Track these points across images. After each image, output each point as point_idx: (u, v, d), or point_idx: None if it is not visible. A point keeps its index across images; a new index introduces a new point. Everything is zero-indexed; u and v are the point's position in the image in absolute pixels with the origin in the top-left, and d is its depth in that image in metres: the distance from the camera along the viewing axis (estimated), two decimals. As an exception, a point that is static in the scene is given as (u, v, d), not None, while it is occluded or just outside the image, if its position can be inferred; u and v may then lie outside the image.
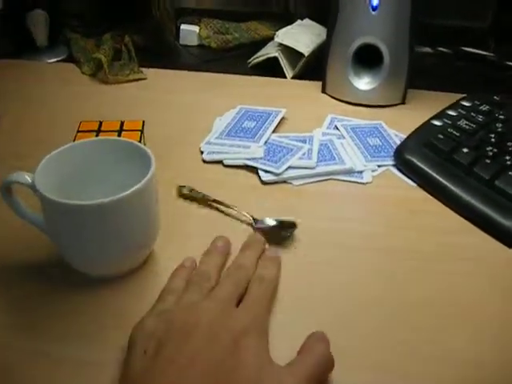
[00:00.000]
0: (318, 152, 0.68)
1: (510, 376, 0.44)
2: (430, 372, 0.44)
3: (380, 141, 0.72)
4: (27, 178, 0.48)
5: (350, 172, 0.66)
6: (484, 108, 0.74)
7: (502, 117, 0.72)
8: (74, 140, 0.62)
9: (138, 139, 0.62)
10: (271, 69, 0.92)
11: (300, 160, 0.66)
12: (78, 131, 0.64)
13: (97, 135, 0.63)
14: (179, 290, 0.47)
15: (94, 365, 0.43)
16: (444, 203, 0.63)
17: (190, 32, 1.04)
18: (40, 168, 0.48)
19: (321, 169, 0.66)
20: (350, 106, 0.83)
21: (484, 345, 0.46)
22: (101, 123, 0.66)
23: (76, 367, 0.43)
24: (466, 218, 0.61)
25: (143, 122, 0.66)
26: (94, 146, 0.52)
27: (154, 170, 0.48)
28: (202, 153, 0.70)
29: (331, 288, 0.51)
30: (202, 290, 0.46)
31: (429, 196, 0.64)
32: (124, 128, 0.65)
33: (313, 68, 0.91)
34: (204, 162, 0.69)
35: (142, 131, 0.64)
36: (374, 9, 0.76)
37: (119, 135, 0.63)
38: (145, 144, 0.66)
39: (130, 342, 0.42)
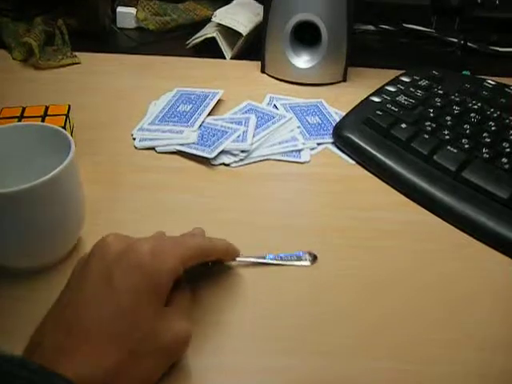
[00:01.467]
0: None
1: None
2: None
3: (320, 119, 0.71)
4: None
5: (287, 152, 0.65)
6: (423, 83, 0.73)
7: (440, 91, 0.71)
8: (-6, 127, 0.58)
9: (63, 124, 0.59)
10: (210, 50, 0.89)
11: (234, 143, 0.64)
12: (0, 118, 0.60)
13: (19, 121, 0.60)
14: None
15: None
16: (382, 180, 0.62)
17: (126, 14, 1.00)
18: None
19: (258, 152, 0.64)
20: (290, 85, 0.81)
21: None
22: (24, 109, 0.62)
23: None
24: (404, 194, 0.60)
25: (69, 106, 0.63)
26: (13, 132, 0.49)
27: (73, 156, 0.45)
28: (134, 139, 0.67)
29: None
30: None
31: (367, 173, 0.63)
32: (48, 113, 0.61)
33: (252, 48, 0.89)
34: (136, 148, 0.66)
35: (67, 115, 0.61)
36: (311, -16, 0.74)
37: (43, 121, 0.60)
38: (71, 129, 0.63)
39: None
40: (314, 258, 0.50)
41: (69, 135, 0.47)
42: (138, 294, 0.38)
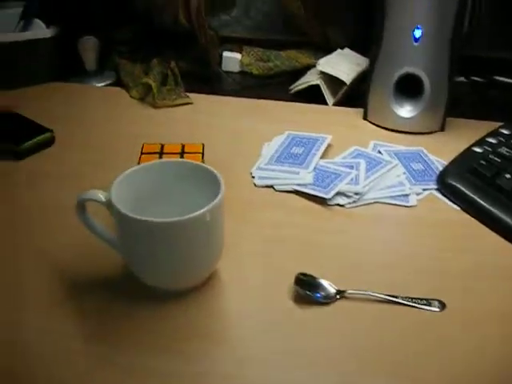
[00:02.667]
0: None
1: None
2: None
3: (423, 166, 0.76)
4: (101, 196, 0.52)
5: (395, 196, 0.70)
6: (523, 136, 0.77)
7: (540, 144, 0.75)
8: (139, 161, 0.66)
9: (201, 161, 0.66)
10: (312, 96, 0.95)
11: (348, 185, 0.69)
12: (142, 153, 0.68)
13: (160, 157, 0.67)
14: None
15: (160, 375, 0.47)
16: (487, 226, 0.66)
17: (232, 59, 1.08)
18: (114, 186, 0.52)
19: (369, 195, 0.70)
20: (391, 133, 0.86)
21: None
22: (162, 146, 0.69)
23: (144, 376, 0.47)
24: (508, 240, 0.64)
25: (203, 144, 0.70)
26: (163, 168, 0.56)
27: (223, 192, 0.51)
28: (253, 177, 0.73)
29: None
30: None
31: (472, 219, 0.67)
32: (185, 150, 0.68)
33: (352, 96, 0.95)
34: (255, 186, 0.72)
35: (202, 154, 0.68)
36: (417, 40, 0.79)
37: (181, 157, 0.67)
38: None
39: None
40: (443, 306, 0.54)
41: (219, 175, 0.53)
42: None
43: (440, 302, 0.54)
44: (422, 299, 0.54)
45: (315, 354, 0.49)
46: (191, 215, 0.48)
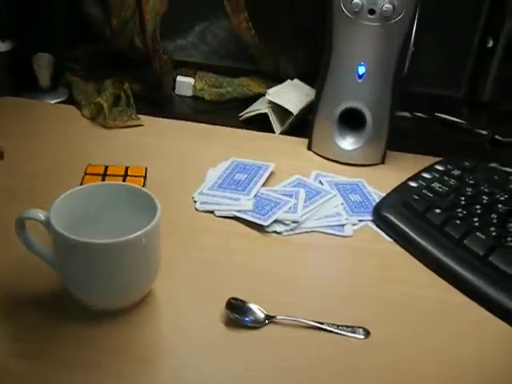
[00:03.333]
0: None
1: None
2: None
3: (360, 197, 0.79)
4: (41, 215, 0.53)
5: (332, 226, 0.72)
6: (456, 173, 0.81)
7: (471, 181, 0.79)
8: (82, 182, 0.67)
9: (142, 184, 0.67)
10: (261, 123, 0.98)
11: (286, 213, 0.71)
12: (86, 174, 0.69)
13: (103, 179, 0.68)
14: None
15: None
16: (417, 258, 0.69)
17: (185, 83, 1.10)
18: (54, 206, 0.53)
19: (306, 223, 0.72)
20: (334, 164, 0.89)
21: None
22: (106, 168, 0.71)
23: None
24: (437, 273, 0.67)
25: (146, 168, 0.71)
26: (103, 190, 0.58)
27: (159, 216, 0.53)
28: (194, 202, 0.75)
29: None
30: None
31: (402, 250, 0.70)
32: (128, 173, 0.70)
33: (300, 125, 0.98)
34: (197, 210, 0.74)
35: (145, 177, 0.69)
36: (360, 77, 0.83)
37: (124, 180, 0.68)
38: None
39: None
40: (367, 333, 0.56)
41: (154, 198, 0.55)
42: None
43: (365, 329, 0.57)
44: (347, 326, 0.57)
45: (244, 377, 0.51)
46: (126, 237, 0.50)
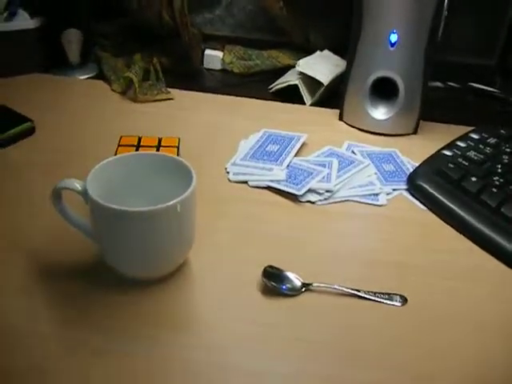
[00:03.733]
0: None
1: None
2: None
3: (394, 167, 0.78)
4: (77, 185, 0.53)
5: (366, 195, 0.72)
6: (491, 141, 0.79)
7: (508, 149, 0.77)
8: (116, 153, 0.67)
9: (176, 155, 0.67)
10: (290, 95, 0.98)
11: (320, 183, 0.71)
12: (119, 145, 0.69)
13: (136, 150, 0.68)
14: None
15: (129, 358, 0.49)
16: (452, 226, 0.68)
17: (214, 57, 1.10)
18: (91, 175, 0.53)
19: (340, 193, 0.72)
20: (365, 134, 0.88)
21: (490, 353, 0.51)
22: (140, 139, 0.71)
23: (114, 359, 0.48)
24: (472, 240, 0.66)
25: (179, 139, 0.71)
26: (138, 160, 0.58)
27: (195, 185, 0.53)
28: (227, 173, 0.75)
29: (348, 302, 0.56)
30: None
31: (438, 219, 0.69)
32: (162, 144, 0.70)
33: (330, 96, 0.97)
34: (230, 181, 0.74)
35: (178, 147, 0.69)
36: (392, 45, 0.82)
37: (157, 150, 0.69)
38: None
39: None
40: (405, 300, 0.56)
41: (190, 167, 0.55)
42: None
43: (402, 296, 0.56)
44: (384, 293, 0.56)
45: (281, 344, 0.51)
46: (163, 205, 0.50)
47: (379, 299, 0.56)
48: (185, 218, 0.54)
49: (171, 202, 0.50)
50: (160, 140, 0.71)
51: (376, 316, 0.54)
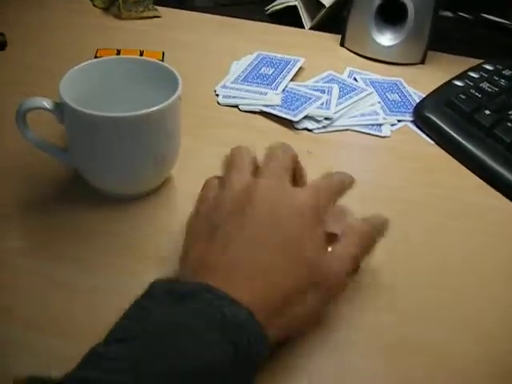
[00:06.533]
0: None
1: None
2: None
3: (399, 97, 0.71)
4: (45, 103, 0.47)
5: (368, 125, 0.65)
6: (507, 73, 0.73)
7: (524, 82, 0.71)
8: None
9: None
10: (289, 18, 0.90)
11: (318, 109, 0.65)
12: (96, 57, 0.62)
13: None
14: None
15: (93, 290, 0.44)
16: (461, 162, 0.62)
17: (207, -26, 1.01)
18: (64, 81, 0.47)
19: (340, 121, 0.65)
20: (369, 61, 0.81)
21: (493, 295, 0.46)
22: (119, 51, 0.64)
23: (81, 292, 0.43)
24: (481, 177, 0.60)
25: (163, 52, 0.64)
26: (116, 64, 0.52)
27: (180, 92, 0.47)
28: (217, 95, 0.68)
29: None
30: (244, 171, 0.42)
31: (445, 154, 0.63)
32: (144, 56, 0.63)
33: (331, 20, 0.89)
34: (219, 104, 0.67)
35: (162, 61, 0.62)
36: (404, -37, 0.74)
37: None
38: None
39: (186, 231, 0.41)
40: None
41: (175, 71, 0.49)
42: (303, 227, 0.38)
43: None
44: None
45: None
46: (147, 110, 0.44)
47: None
48: (170, 126, 0.48)
49: (154, 108, 0.45)
50: (142, 52, 0.64)
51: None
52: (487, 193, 0.58)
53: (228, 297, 0.32)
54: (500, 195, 0.58)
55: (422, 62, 0.82)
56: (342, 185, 0.44)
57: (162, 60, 0.63)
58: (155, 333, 0.30)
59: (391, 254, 0.48)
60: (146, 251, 0.47)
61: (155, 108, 0.44)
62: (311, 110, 0.64)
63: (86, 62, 0.50)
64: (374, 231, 0.42)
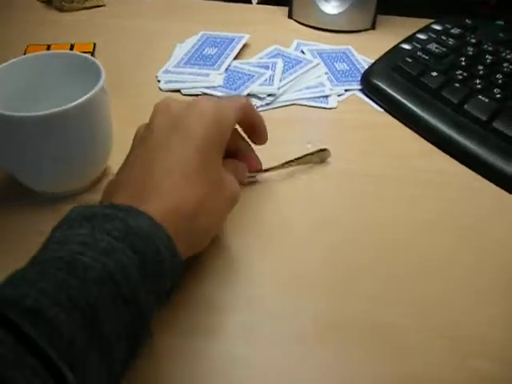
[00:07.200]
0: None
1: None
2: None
3: (348, 65, 0.70)
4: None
5: (314, 97, 0.64)
6: (455, 31, 0.71)
7: (473, 40, 0.69)
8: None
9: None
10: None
11: (261, 87, 0.63)
12: (25, 54, 0.60)
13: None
14: None
15: None
16: (410, 128, 0.61)
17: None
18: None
19: (285, 96, 0.63)
20: (319, 32, 0.79)
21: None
22: (49, 46, 0.62)
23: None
24: (431, 142, 0.59)
25: (94, 44, 0.62)
26: (41, 61, 0.49)
27: (103, 82, 0.45)
28: (159, 81, 0.66)
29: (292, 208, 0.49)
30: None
31: (395, 121, 0.62)
32: (74, 50, 0.61)
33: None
34: (161, 90, 0.65)
35: (92, 53, 0.60)
36: None
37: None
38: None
39: None
40: None
41: (98, 62, 0.47)
42: (208, 141, 0.39)
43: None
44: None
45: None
46: (59, 109, 0.42)
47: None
48: (95, 119, 0.46)
49: (71, 105, 0.43)
50: (72, 46, 0.62)
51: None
52: (439, 158, 0.57)
53: (133, 209, 0.33)
54: (451, 159, 0.57)
55: (373, 27, 0.80)
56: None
57: (93, 51, 0.60)
58: (61, 249, 0.31)
59: (351, 227, 0.48)
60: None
61: (70, 105, 0.42)
62: (254, 87, 0.62)
63: (11, 61, 0.49)
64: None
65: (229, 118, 0.42)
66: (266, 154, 0.52)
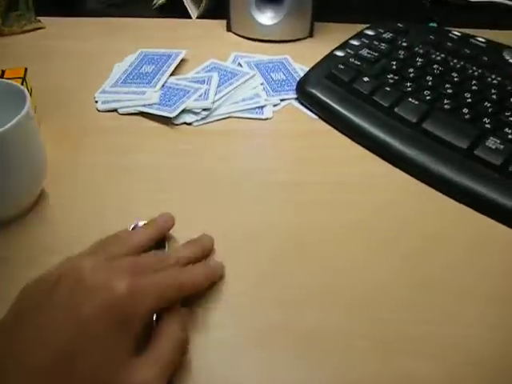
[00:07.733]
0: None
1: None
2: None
3: (284, 75, 0.71)
4: None
5: (249, 109, 0.65)
6: (387, 36, 0.73)
7: (404, 44, 0.71)
8: None
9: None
10: (176, 10, 0.88)
11: (196, 102, 0.63)
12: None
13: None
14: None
15: None
16: (345, 134, 0.62)
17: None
18: None
19: (220, 110, 0.64)
20: (256, 43, 0.80)
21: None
22: (-21, 72, 0.62)
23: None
24: (365, 147, 0.60)
25: (25, 69, 0.62)
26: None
27: (27, 109, 0.45)
28: (96, 102, 0.66)
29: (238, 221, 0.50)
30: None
31: (331, 128, 0.63)
32: (4, 77, 0.61)
33: (218, 6, 0.88)
34: (98, 111, 0.65)
35: (23, 79, 0.60)
36: None
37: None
38: (30, 92, 0.62)
39: None
40: None
41: (22, 87, 0.47)
42: (105, 339, 0.33)
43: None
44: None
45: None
46: None
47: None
48: (22, 147, 0.46)
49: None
50: (3, 72, 0.61)
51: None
52: (372, 161, 0.58)
53: None
54: (385, 163, 0.58)
55: (311, 35, 0.82)
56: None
57: (24, 76, 0.60)
58: None
59: (291, 235, 0.49)
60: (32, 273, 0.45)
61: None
62: (189, 103, 0.63)
63: None
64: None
65: (140, 314, 0.35)
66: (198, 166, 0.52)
